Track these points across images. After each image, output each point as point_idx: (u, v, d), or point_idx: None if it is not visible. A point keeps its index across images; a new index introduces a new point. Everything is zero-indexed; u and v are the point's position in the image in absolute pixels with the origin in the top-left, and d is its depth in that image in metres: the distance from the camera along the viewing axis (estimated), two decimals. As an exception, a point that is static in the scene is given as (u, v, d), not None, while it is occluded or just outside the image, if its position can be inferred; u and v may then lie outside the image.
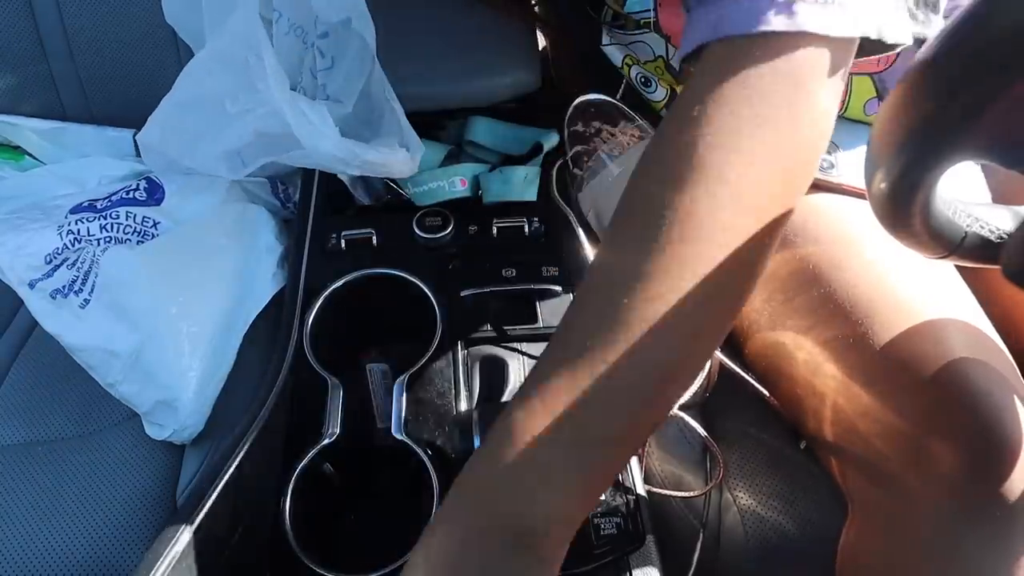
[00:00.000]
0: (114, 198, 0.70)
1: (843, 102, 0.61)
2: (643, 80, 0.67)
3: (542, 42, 0.86)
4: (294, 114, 0.53)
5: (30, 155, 0.81)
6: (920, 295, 0.48)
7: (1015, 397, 0.43)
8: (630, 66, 0.68)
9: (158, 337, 0.60)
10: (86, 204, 0.70)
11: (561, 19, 0.77)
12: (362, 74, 0.61)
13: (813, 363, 0.50)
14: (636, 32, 0.64)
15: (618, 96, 0.71)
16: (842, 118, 0.63)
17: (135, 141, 0.81)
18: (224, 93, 0.56)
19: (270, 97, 0.52)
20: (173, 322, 0.61)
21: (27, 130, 0.80)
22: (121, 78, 0.81)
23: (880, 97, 0.62)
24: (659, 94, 0.67)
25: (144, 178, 0.73)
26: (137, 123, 0.82)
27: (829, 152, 0.58)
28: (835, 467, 0.51)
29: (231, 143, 0.60)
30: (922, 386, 0.44)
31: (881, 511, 0.47)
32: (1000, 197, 0.63)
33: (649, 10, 0.60)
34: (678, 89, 0.66)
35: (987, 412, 0.42)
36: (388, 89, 0.61)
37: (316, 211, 0.65)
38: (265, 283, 0.69)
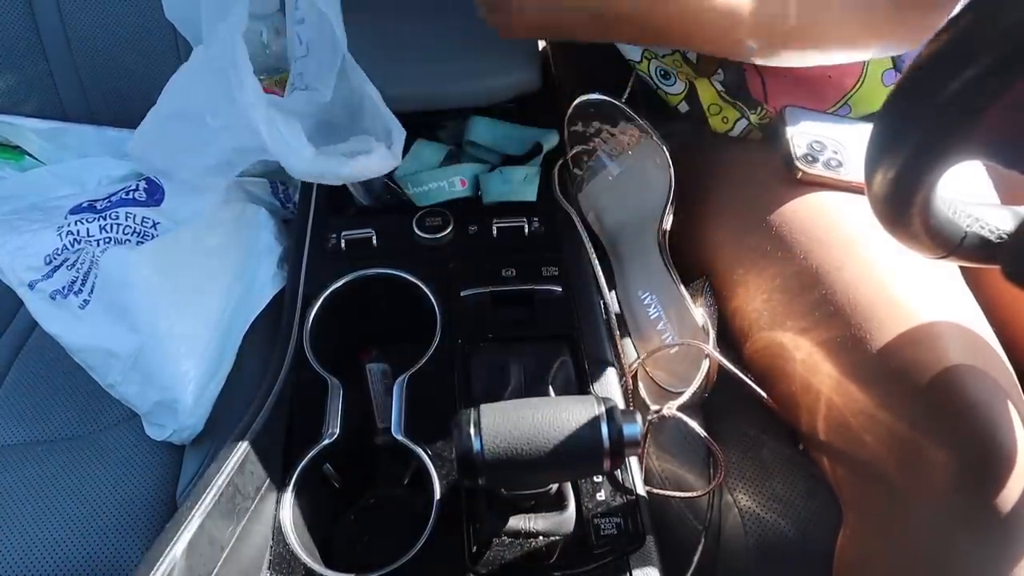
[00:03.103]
0: (114, 198, 0.70)
1: (861, 72, 0.61)
2: (662, 73, 0.68)
3: (542, 42, 0.86)
4: (270, 132, 0.53)
5: (30, 155, 0.81)
6: (921, 299, 0.48)
7: (1010, 405, 0.43)
8: (649, 59, 0.68)
9: (158, 338, 0.60)
10: (86, 204, 0.70)
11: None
12: (335, 62, 0.61)
13: (811, 363, 0.50)
14: None
15: (625, 96, 0.71)
16: (850, 118, 0.63)
17: (135, 141, 0.81)
18: (205, 107, 0.55)
19: (247, 115, 0.52)
20: (173, 323, 0.61)
21: (27, 130, 0.80)
22: (121, 78, 0.81)
23: (896, 68, 0.62)
24: (677, 87, 0.68)
25: (144, 178, 0.73)
26: (137, 123, 0.82)
27: (837, 151, 0.58)
28: (829, 469, 0.51)
29: (213, 158, 0.59)
30: (918, 392, 0.44)
31: (874, 515, 0.47)
32: (1007, 197, 0.63)
33: None
34: (696, 83, 0.66)
35: (982, 421, 0.42)
36: (360, 74, 0.60)
37: (316, 211, 0.65)
38: (265, 284, 0.69)
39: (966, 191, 0.62)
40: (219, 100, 0.54)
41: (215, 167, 0.60)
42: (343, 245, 0.61)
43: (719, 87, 0.65)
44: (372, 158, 0.57)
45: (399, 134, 0.60)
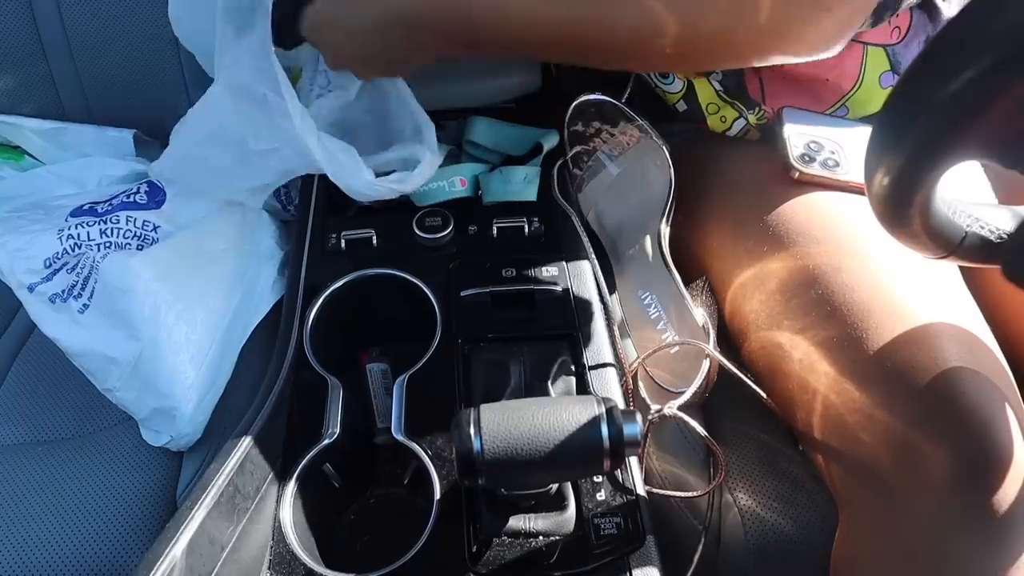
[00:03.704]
0: (115, 201, 0.70)
1: (858, 74, 0.61)
2: (661, 72, 0.68)
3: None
4: (326, 158, 0.53)
5: (30, 155, 0.81)
6: (919, 299, 0.48)
7: (1007, 407, 0.43)
8: None
9: (157, 345, 0.60)
10: (87, 207, 0.69)
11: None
12: None
13: (808, 362, 0.50)
14: None
15: (625, 97, 0.71)
16: (848, 118, 0.63)
17: (135, 141, 0.81)
18: (245, 130, 0.55)
19: (297, 141, 0.51)
20: (172, 330, 0.61)
21: (27, 130, 0.80)
22: (121, 78, 0.81)
23: (894, 70, 0.62)
24: (676, 86, 0.68)
25: (145, 180, 0.73)
26: (137, 123, 0.82)
27: (834, 151, 0.58)
28: (825, 467, 0.51)
29: (258, 180, 0.59)
30: (915, 392, 0.44)
31: (870, 514, 0.47)
32: (1006, 197, 0.63)
33: None
34: (694, 81, 0.66)
35: (979, 421, 0.42)
36: None
37: (316, 211, 0.65)
38: (265, 291, 0.69)
39: (966, 191, 0.62)
40: (259, 124, 0.53)
41: (259, 188, 0.60)
42: (343, 245, 0.61)
43: (717, 86, 0.65)
44: (424, 167, 0.58)
45: (429, 130, 0.60)
